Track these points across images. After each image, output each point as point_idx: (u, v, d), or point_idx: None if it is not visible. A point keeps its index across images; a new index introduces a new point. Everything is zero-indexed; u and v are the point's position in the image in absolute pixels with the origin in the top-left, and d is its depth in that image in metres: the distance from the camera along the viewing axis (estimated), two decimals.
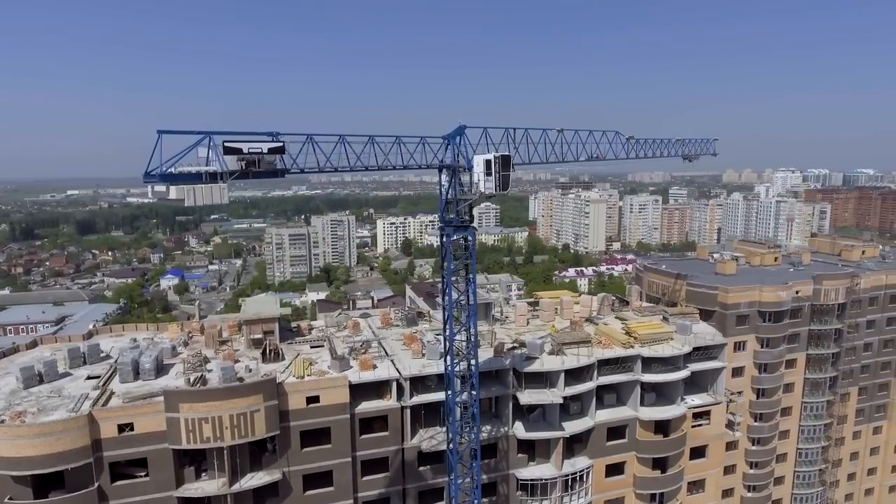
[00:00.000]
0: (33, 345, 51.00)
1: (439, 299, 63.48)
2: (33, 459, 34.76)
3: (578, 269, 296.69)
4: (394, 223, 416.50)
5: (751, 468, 73.53)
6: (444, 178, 34.52)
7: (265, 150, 26.89)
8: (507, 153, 33.94)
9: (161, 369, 44.12)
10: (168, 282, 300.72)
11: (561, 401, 45.10)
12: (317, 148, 27.74)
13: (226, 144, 25.92)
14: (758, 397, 71.64)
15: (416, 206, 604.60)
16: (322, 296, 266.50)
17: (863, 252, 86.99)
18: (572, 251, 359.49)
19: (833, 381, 76.37)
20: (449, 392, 37.46)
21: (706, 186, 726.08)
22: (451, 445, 38.80)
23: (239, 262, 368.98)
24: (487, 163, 33.31)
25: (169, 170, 24.41)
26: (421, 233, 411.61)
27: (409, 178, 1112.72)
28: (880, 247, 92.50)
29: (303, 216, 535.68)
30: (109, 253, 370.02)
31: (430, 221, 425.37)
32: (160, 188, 24.89)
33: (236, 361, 45.69)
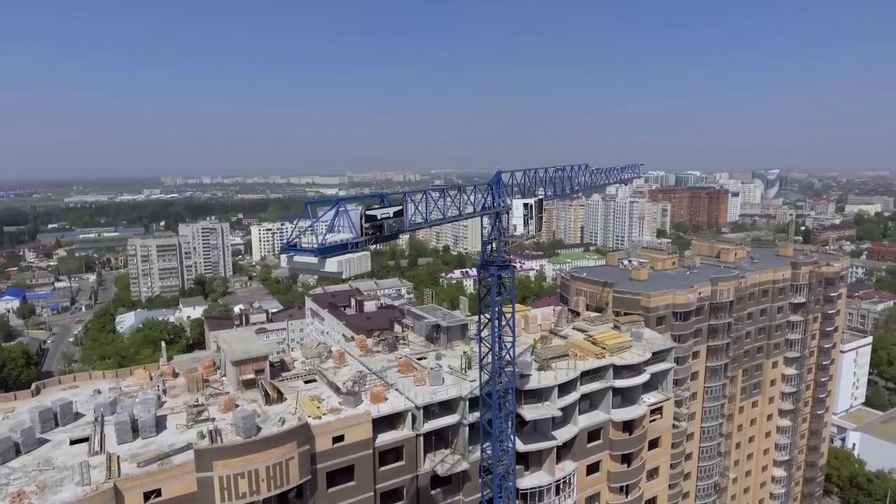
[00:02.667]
0: None
1: (408, 321, 64.79)
2: None
3: (463, 270, 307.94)
4: (270, 229, 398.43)
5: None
6: (486, 220, 36.62)
7: (391, 215, 27.10)
8: (540, 197, 36.90)
9: (157, 423, 40.82)
10: (7, 304, 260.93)
11: (559, 413, 49.22)
12: (410, 201, 28.44)
13: (366, 213, 25.76)
14: (673, 386, 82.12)
15: (289, 209, 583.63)
16: (199, 311, 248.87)
17: (735, 254, 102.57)
18: (454, 253, 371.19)
19: (726, 366, 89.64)
20: (488, 415, 39.58)
21: None
22: (491, 463, 40.92)
23: (92, 277, 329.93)
24: (526, 206, 36.03)
25: (324, 242, 23.70)
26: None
27: (276, 180, 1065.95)
28: (748, 249, 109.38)
29: (162, 223, 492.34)
30: None
31: (308, 227, 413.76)
32: (305, 259, 24.06)
33: (236, 406, 43.67)
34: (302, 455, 38.32)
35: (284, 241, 23.66)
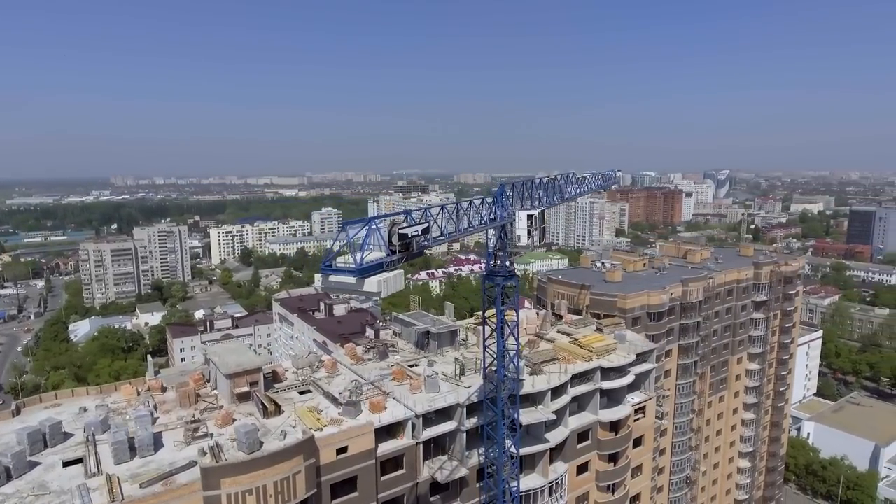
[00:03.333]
0: None
1: (396, 327, 64.80)
2: None
3: (429, 271, 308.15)
4: (230, 231, 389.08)
5: None
6: (490, 231, 37.21)
7: (420, 232, 27.20)
8: (543, 208, 37.77)
9: (154, 441, 39.74)
10: None
11: (554, 417, 50.29)
12: (429, 216, 28.70)
13: (400, 231, 25.81)
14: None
15: (247, 211, 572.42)
16: (158, 317, 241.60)
17: (701, 255, 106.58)
18: None
19: (695, 364, 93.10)
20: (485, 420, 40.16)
21: None
22: (494, 468, 41.53)
23: (41, 283, 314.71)
24: (530, 217, 36.83)
25: (363, 263, 23.65)
26: (261, 241, 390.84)
27: (233, 180, 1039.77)
28: (711, 249, 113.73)
29: (114, 225, 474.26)
30: None
31: (269, 229, 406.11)
32: (343, 279, 23.91)
33: (233, 421, 42.99)
34: (308, 469, 38.06)
35: (323, 264, 23.41)
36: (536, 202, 43.01)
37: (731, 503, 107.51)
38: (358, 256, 24.02)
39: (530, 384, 50.78)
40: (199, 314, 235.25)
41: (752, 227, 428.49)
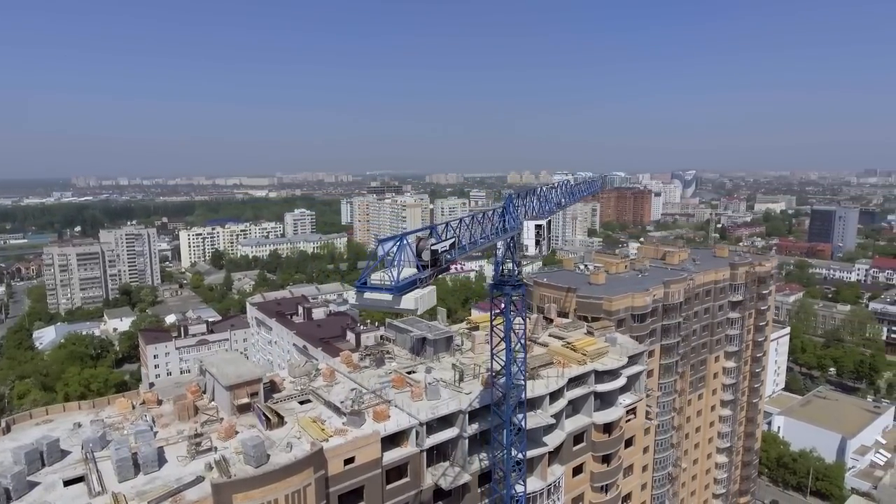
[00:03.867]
0: None
1: (390, 333, 64.74)
2: None
3: None
4: (200, 234, 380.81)
5: None
6: (499, 241, 37.64)
7: (448, 248, 27.31)
8: (548, 217, 38.38)
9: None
10: None
11: (553, 421, 51.03)
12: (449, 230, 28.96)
13: (432, 248, 25.85)
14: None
15: (217, 212, 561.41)
16: (127, 322, 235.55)
17: (679, 256, 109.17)
18: None
19: (676, 363, 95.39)
20: (499, 423, 40.60)
21: (494, 187, 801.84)
22: (502, 474, 41.95)
23: (1, 288, 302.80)
24: (538, 227, 37.39)
25: (399, 281, 23.62)
26: (232, 243, 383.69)
27: (201, 181, 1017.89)
28: (689, 250, 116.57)
29: (77, 228, 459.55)
30: None
31: (241, 230, 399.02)
32: (379, 297, 23.82)
33: (236, 433, 42.50)
34: (318, 480, 37.93)
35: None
36: (533, 211, 43.59)
37: (709, 497, 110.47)
38: (394, 273, 24.11)
39: (529, 389, 51.22)
40: (170, 319, 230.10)
41: (719, 226, 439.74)
